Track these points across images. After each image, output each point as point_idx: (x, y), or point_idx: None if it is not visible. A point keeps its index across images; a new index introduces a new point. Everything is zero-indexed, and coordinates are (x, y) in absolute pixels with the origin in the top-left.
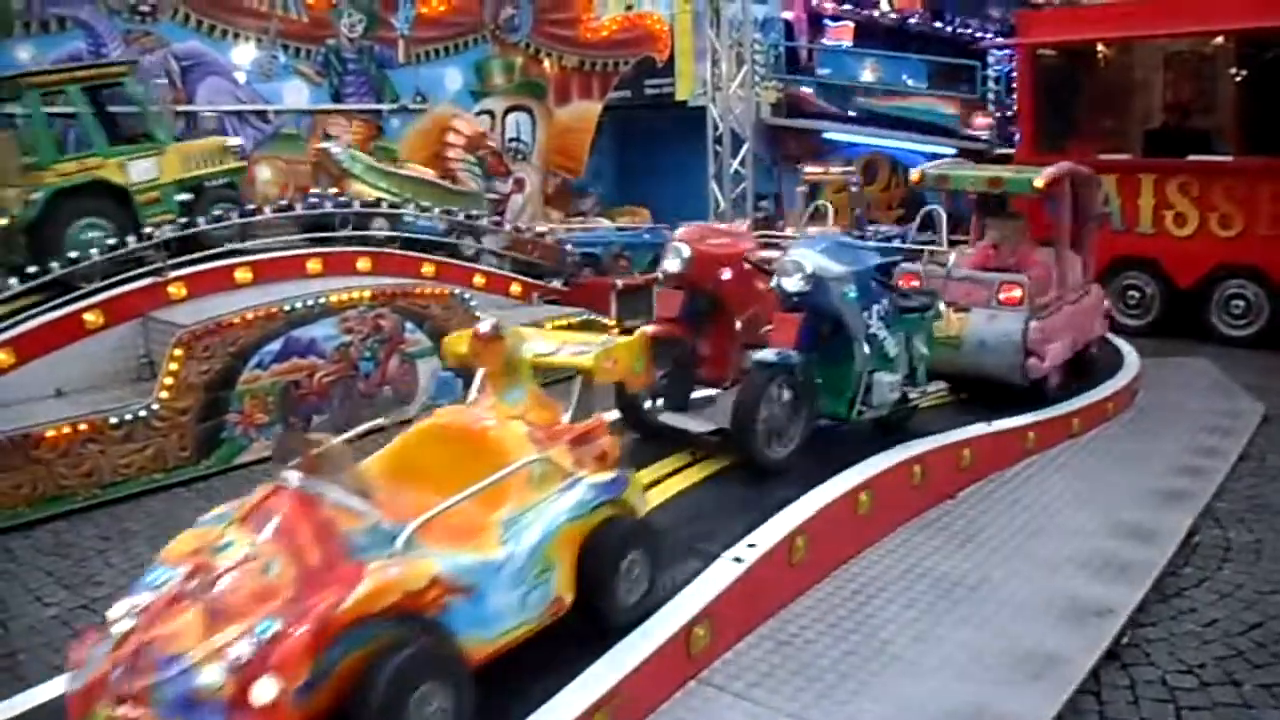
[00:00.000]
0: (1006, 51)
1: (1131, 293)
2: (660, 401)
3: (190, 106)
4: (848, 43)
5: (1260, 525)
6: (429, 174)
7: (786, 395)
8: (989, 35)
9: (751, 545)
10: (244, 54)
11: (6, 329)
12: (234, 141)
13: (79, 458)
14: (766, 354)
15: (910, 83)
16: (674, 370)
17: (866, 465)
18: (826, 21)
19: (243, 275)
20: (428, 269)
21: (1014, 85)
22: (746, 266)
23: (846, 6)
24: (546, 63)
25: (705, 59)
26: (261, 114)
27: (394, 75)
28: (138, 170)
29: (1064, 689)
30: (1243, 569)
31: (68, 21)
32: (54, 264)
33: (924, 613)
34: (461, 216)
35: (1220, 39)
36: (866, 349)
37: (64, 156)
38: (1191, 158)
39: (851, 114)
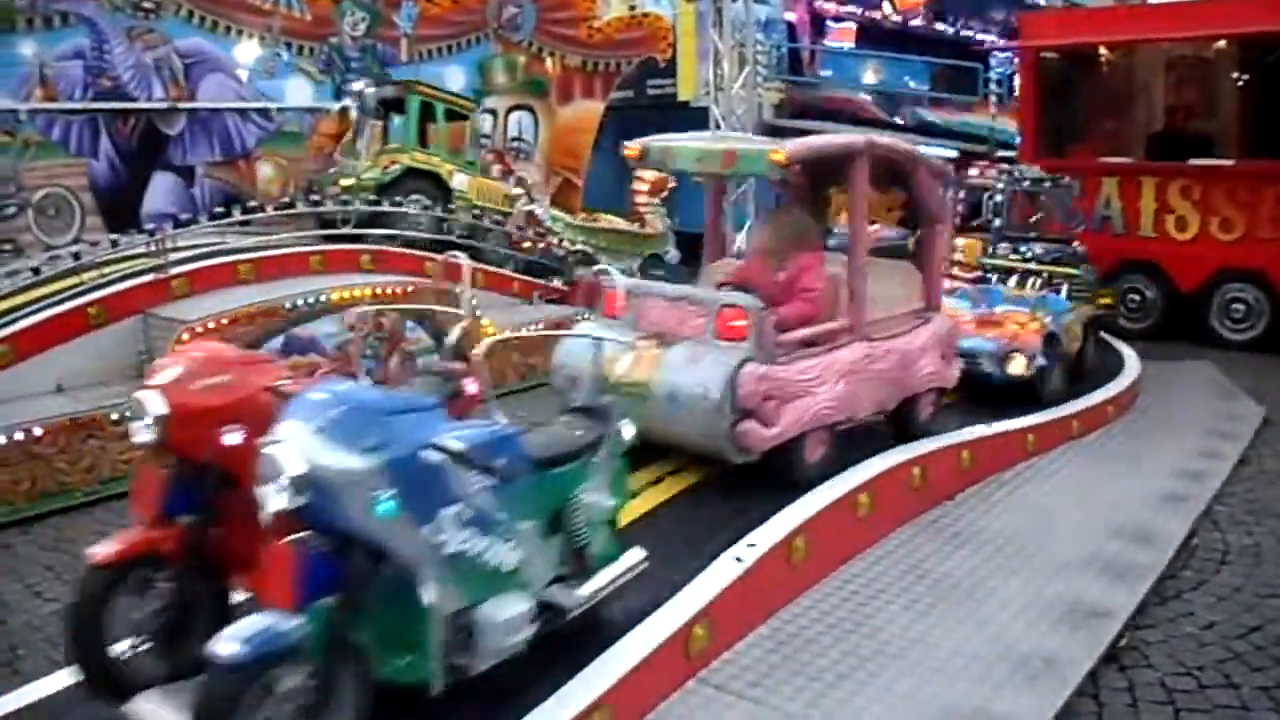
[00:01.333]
0: (1009, 54)
1: (1133, 296)
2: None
3: (192, 103)
4: (850, 44)
5: (1259, 529)
6: (620, 223)
7: (294, 689)
8: (991, 38)
9: (752, 545)
10: (247, 51)
11: (7, 324)
12: (516, 191)
13: (79, 453)
14: (230, 642)
15: (912, 85)
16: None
17: (866, 466)
18: (829, 23)
19: (244, 272)
20: (429, 267)
21: (1017, 88)
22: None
23: (849, 8)
24: (549, 62)
25: (708, 59)
26: (264, 111)
27: (396, 73)
28: (459, 180)
29: (1062, 691)
30: (1241, 572)
31: (71, 17)
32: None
33: (923, 614)
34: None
35: (1222, 43)
36: (441, 583)
37: (419, 149)
38: (1193, 161)
39: (899, 122)
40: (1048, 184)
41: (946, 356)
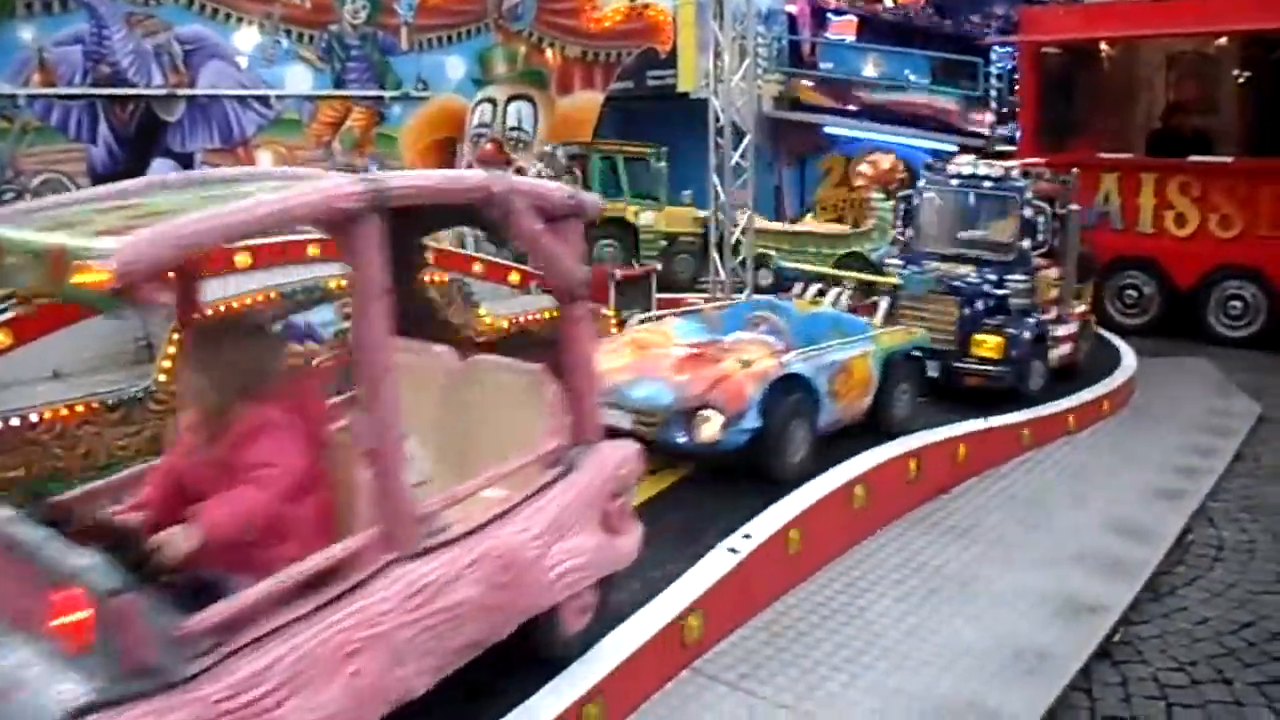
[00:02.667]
0: (1010, 48)
1: (1130, 292)
2: None
3: (192, 90)
4: (851, 37)
5: (1254, 525)
6: (822, 227)
7: None
8: (992, 31)
9: (747, 536)
10: (247, 38)
11: (4, 310)
12: (703, 214)
13: (75, 439)
14: None
15: (913, 78)
16: None
17: (862, 459)
18: (830, 15)
19: (242, 259)
20: (426, 255)
21: (1016, 82)
22: None
23: (850, 1)
24: (549, 52)
25: (708, 51)
26: (263, 99)
27: (396, 62)
28: (644, 218)
29: (1055, 685)
30: (1235, 568)
31: (70, 2)
32: None
33: (917, 606)
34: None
35: (1223, 40)
36: None
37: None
38: (1192, 158)
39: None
40: (1017, 182)
41: (612, 520)
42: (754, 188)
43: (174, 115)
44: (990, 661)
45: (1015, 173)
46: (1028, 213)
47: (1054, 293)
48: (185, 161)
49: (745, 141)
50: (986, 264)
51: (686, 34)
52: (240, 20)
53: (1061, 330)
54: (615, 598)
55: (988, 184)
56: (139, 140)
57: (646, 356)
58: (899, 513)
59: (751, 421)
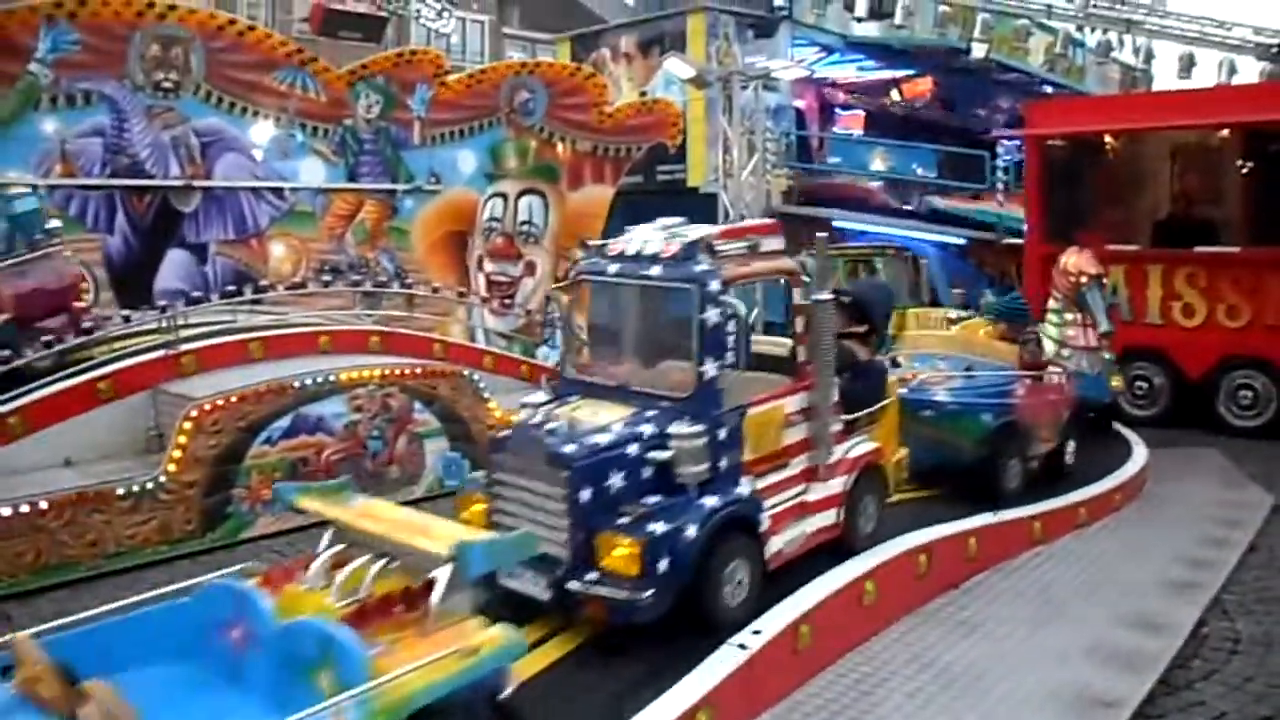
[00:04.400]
0: (1015, 142)
1: (1140, 383)
2: None
3: (208, 182)
4: (858, 131)
5: (1269, 618)
6: None
7: None
8: (998, 126)
9: (756, 632)
10: (262, 132)
11: (19, 396)
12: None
13: (84, 527)
14: None
15: (920, 172)
16: None
17: (872, 554)
18: (837, 110)
19: (254, 350)
20: (437, 349)
21: (1023, 175)
22: None
23: (858, 96)
24: (560, 147)
25: (717, 146)
26: (278, 191)
27: (409, 156)
28: None
29: None
30: (1252, 662)
31: (93, 95)
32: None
33: (927, 703)
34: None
35: (1226, 131)
36: None
37: None
38: (1199, 249)
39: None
40: (698, 265)
41: None
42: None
43: (190, 206)
44: None
45: (711, 245)
46: (711, 316)
47: (789, 437)
48: (199, 252)
49: None
50: (652, 404)
51: (696, 129)
52: (256, 114)
53: (816, 494)
54: (626, 693)
55: (656, 270)
56: (155, 230)
57: None
58: (909, 608)
59: None
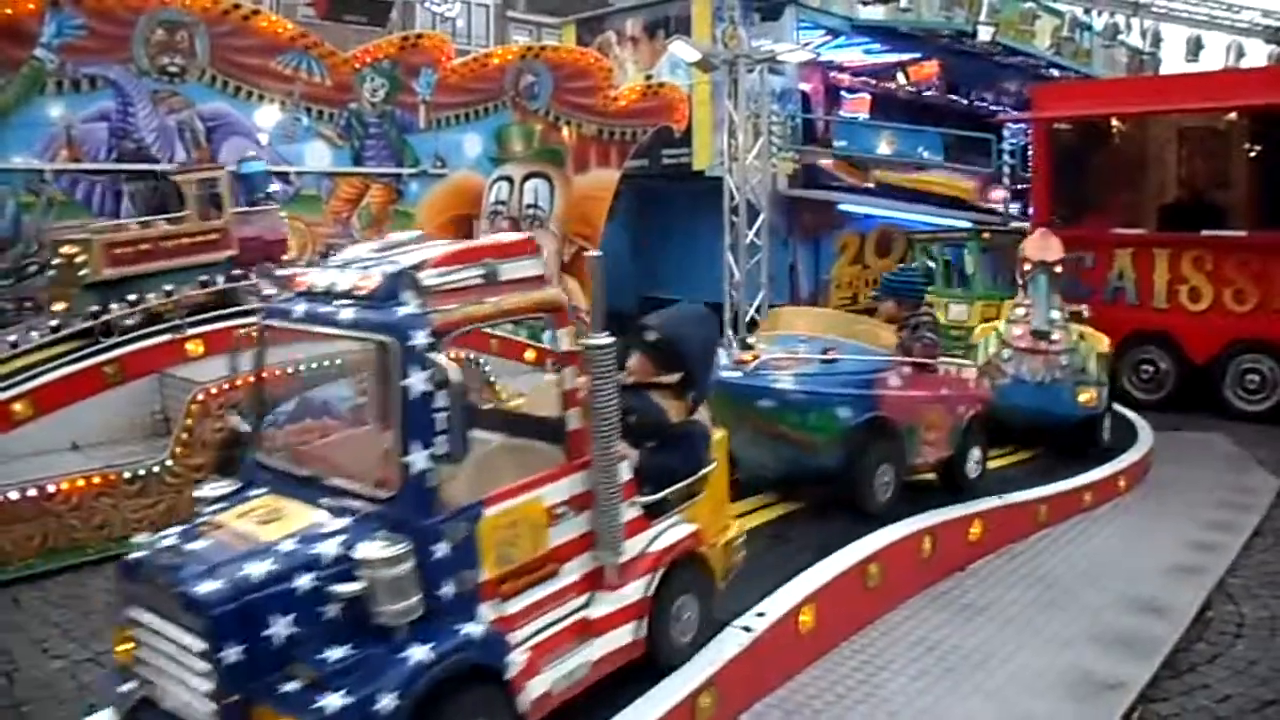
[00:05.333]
0: (1022, 125)
1: (1145, 367)
2: None
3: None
4: (864, 115)
5: (1275, 601)
6: None
7: None
8: (1004, 109)
9: (761, 614)
10: (268, 116)
11: (25, 381)
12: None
13: (91, 511)
14: None
15: (926, 155)
16: None
17: (877, 537)
18: (843, 93)
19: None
20: None
21: (1029, 159)
22: None
23: (863, 79)
24: (565, 130)
25: (722, 129)
26: (283, 175)
27: (414, 140)
28: (955, 311)
29: None
30: (1257, 645)
31: (98, 80)
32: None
33: (932, 685)
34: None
35: (1233, 115)
36: None
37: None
38: (1205, 232)
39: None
40: (400, 310)
41: None
42: (768, 265)
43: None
44: None
45: (417, 280)
46: (416, 383)
47: (556, 537)
48: None
49: (760, 219)
50: (347, 507)
51: (702, 112)
52: (261, 98)
53: (603, 606)
54: (628, 674)
55: (347, 313)
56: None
57: None
58: (914, 591)
59: None
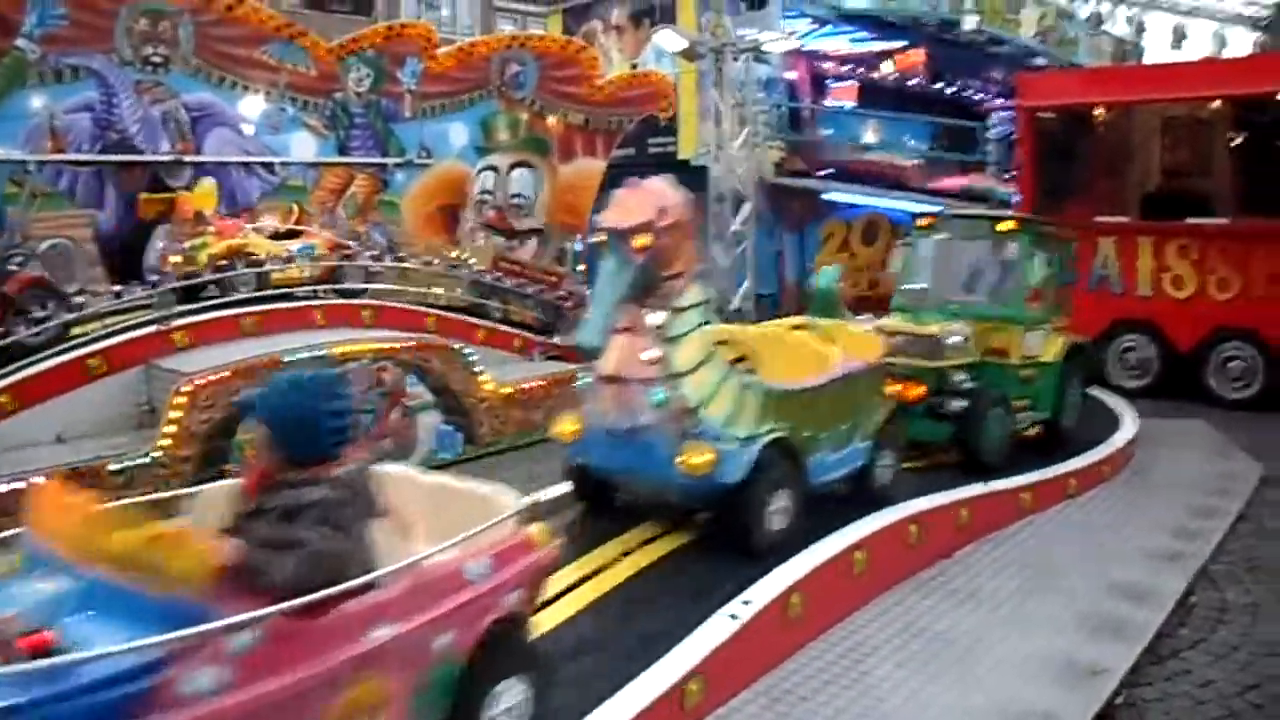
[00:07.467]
0: (1007, 113)
1: (1129, 355)
2: None
3: (198, 157)
4: (850, 103)
5: (1258, 587)
6: None
7: None
8: (990, 97)
9: (747, 602)
10: (252, 106)
11: (9, 374)
12: None
13: None
14: None
15: (912, 143)
16: None
17: (863, 524)
18: (829, 82)
19: (246, 325)
20: (430, 322)
21: (1015, 147)
22: None
23: (849, 68)
24: (551, 120)
25: (708, 118)
26: (268, 165)
27: (399, 130)
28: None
29: None
30: (1239, 630)
31: (81, 71)
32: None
33: (918, 671)
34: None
35: (1217, 103)
36: None
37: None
38: (1189, 220)
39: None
40: None
41: None
42: (754, 254)
43: (180, 181)
44: None
45: None
46: None
47: None
48: None
49: (745, 208)
50: None
51: (687, 101)
52: (246, 88)
53: None
54: (615, 661)
55: None
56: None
57: None
58: (900, 577)
59: None
